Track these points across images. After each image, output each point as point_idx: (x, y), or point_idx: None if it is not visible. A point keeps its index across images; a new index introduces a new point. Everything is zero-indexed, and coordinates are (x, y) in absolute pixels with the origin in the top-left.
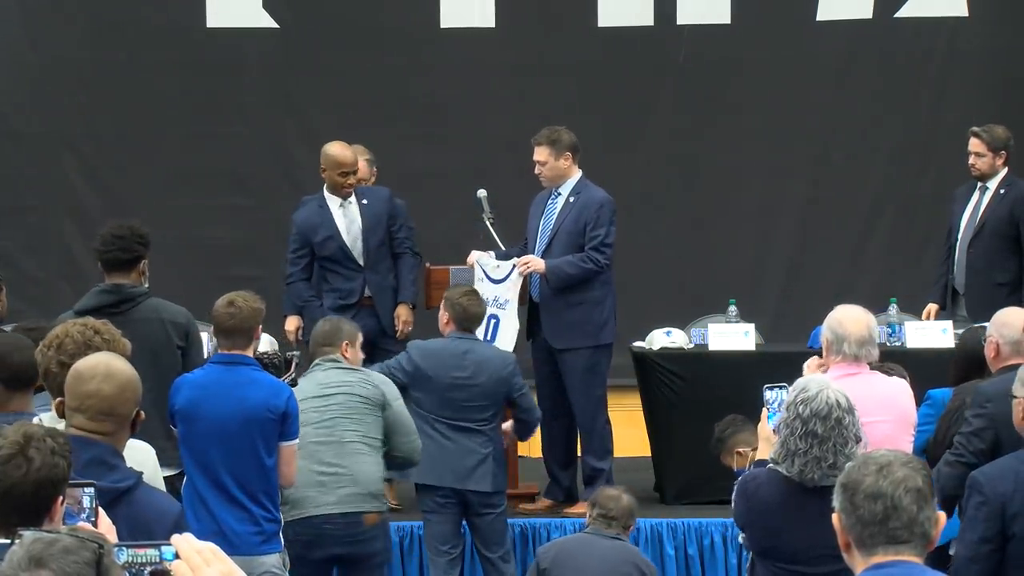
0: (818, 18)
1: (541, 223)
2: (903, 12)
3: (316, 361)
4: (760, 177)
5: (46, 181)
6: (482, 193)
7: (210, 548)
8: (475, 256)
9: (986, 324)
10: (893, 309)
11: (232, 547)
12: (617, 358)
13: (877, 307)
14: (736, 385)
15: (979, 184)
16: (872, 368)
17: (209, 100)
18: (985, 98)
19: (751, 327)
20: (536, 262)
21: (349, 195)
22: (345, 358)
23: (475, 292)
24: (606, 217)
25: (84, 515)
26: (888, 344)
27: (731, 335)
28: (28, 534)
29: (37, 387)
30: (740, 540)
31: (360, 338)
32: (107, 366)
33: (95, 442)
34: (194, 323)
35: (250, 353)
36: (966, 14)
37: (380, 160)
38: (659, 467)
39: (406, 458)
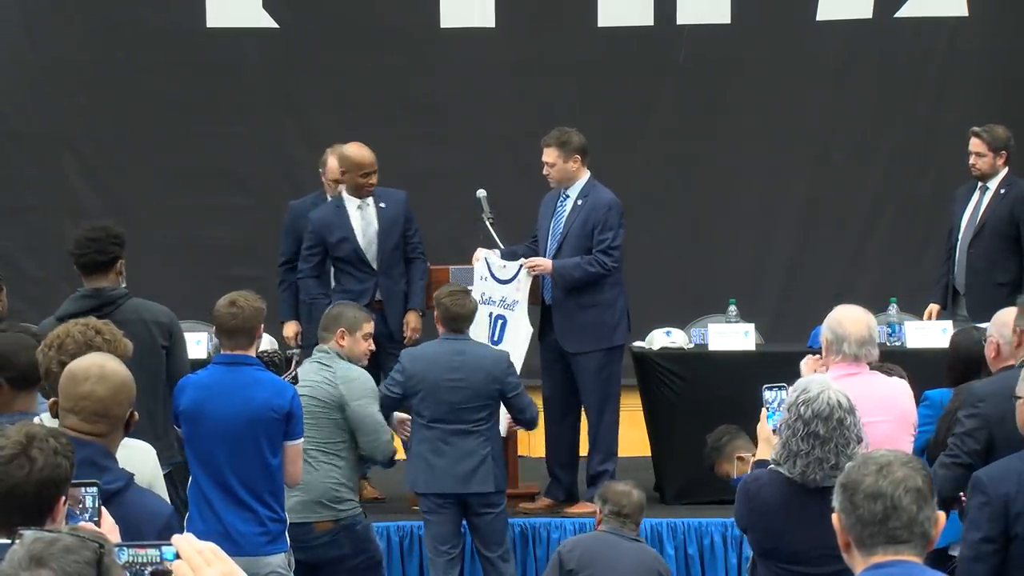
0: (818, 18)
1: (552, 225)
2: (903, 12)
3: (313, 351)
4: (760, 177)
5: (46, 181)
6: (481, 193)
7: (211, 548)
8: (482, 254)
9: (979, 324)
10: (893, 309)
11: (237, 547)
12: None
13: (877, 307)
14: (736, 385)
15: (979, 184)
16: (872, 368)
17: (209, 100)
18: (985, 98)
19: (751, 327)
20: (543, 263)
21: (369, 195)
22: (341, 346)
23: (461, 292)
24: (614, 220)
25: (88, 515)
26: (888, 344)
27: (731, 335)
28: (28, 533)
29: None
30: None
31: (367, 328)
32: (101, 367)
33: (87, 443)
34: (176, 322)
35: (253, 353)
36: (966, 14)
37: (380, 160)
38: (659, 467)
39: (371, 457)
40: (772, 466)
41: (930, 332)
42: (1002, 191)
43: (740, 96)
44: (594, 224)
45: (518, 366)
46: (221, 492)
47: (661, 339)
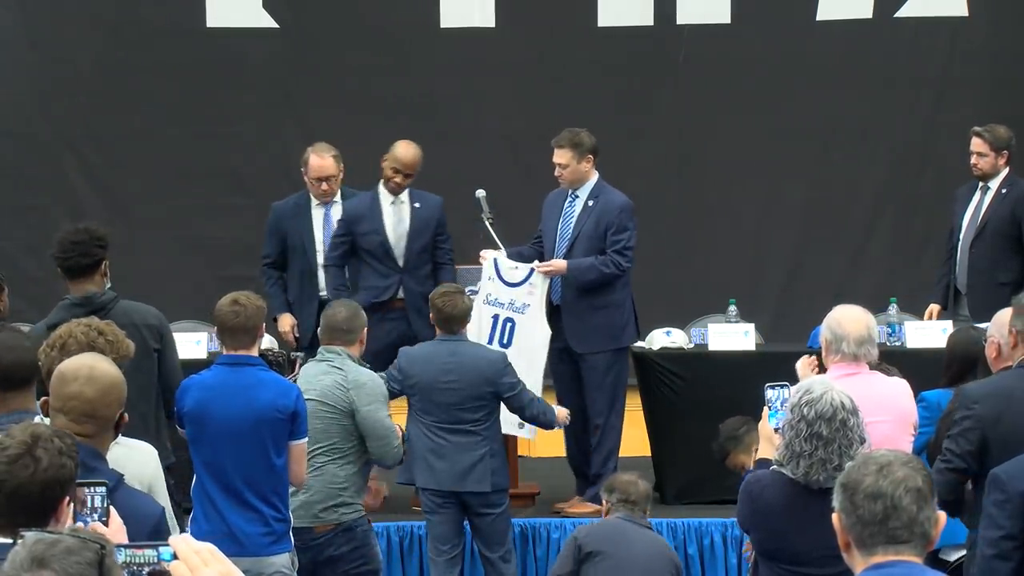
0: (818, 18)
1: (559, 226)
2: (903, 12)
3: (319, 351)
4: (760, 177)
5: (46, 181)
6: (481, 193)
7: (208, 548)
8: (490, 255)
9: (977, 324)
10: (893, 309)
11: (241, 547)
12: None
13: (877, 307)
14: (736, 385)
15: (980, 184)
16: (871, 368)
17: (209, 100)
18: (985, 98)
19: (751, 327)
20: (557, 264)
21: (399, 192)
22: (362, 344)
23: (454, 292)
24: (628, 221)
25: (97, 515)
26: (888, 344)
27: (731, 335)
28: (30, 535)
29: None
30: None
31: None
32: (91, 368)
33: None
34: (166, 323)
35: (255, 352)
36: (966, 14)
37: (381, 160)
38: (659, 467)
39: (380, 461)
40: (775, 467)
41: (930, 332)
42: (1003, 191)
43: (740, 96)
44: (607, 225)
45: (540, 369)
46: (225, 492)
47: (661, 339)
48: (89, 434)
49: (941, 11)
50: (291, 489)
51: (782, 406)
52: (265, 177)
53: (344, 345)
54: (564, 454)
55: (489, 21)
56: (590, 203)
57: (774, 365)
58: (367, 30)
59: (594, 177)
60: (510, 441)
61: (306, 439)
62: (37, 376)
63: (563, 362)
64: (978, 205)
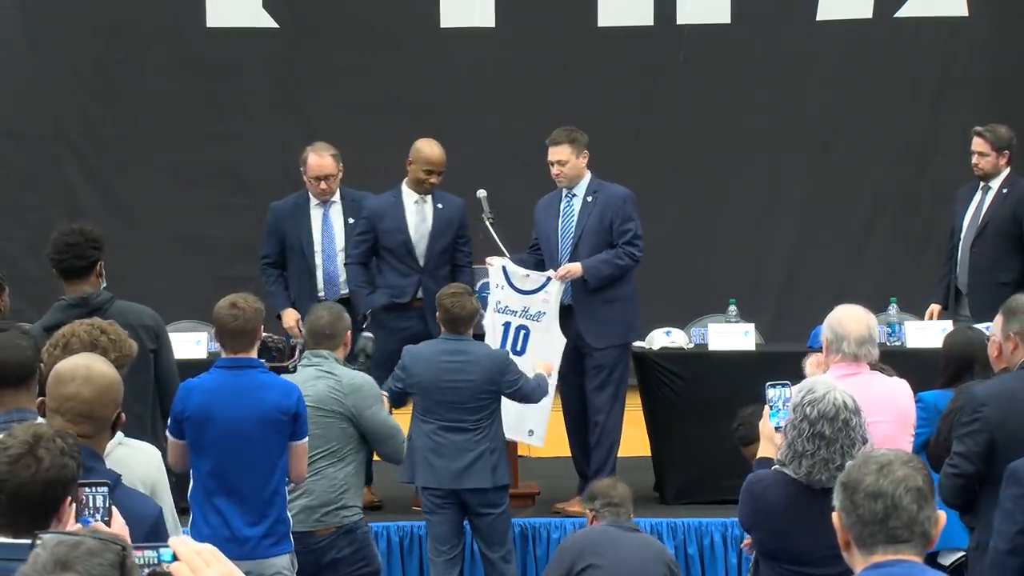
0: (818, 18)
1: (560, 226)
2: (903, 12)
3: (306, 356)
4: (760, 177)
5: (46, 181)
6: (482, 193)
7: (209, 550)
8: (497, 261)
9: (974, 324)
10: (893, 309)
11: (243, 550)
12: None
13: (877, 307)
14: (736, 385)
15: (982, 184)
16: (872, 368)
17: (209, 100)
18: (985, 98)
19: (751, 327)
20: (573, 268)
21: (427, 193)
22: (346, 347)
23: (463, 293)
24: (632, 211)
25: (99, 515)
26: (888, 344)
27: (731, 335)
28: (49, 537)
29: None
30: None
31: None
32: (87, 368)
33: None
34: (162, 324)
35: (254, 354)
36: (966, 14)
37: (381, 160)
38: (659, 467)
39: (390, 459)
40: (777, 466)
41: (930, 332)
42: (1004, 191)
43: (740, 96)
44: (612, 218)
45: (555, 377)
46: (226, 495)
47: (661, 339)
48: (87, 434)
49: (941, 11)
50: (290, 486)
51: (783, 405)
52: (265, 177)
53: (330, 349)
54: (563, 454)
55: (489, 21)
56: (589, 199)
57: (774, 365)
58: (367, 30)
59: (588, 174)
60: (510, 442)
61: (307, 438)
62: (35, 375)
63: (570, 360)
64: (979, 205)
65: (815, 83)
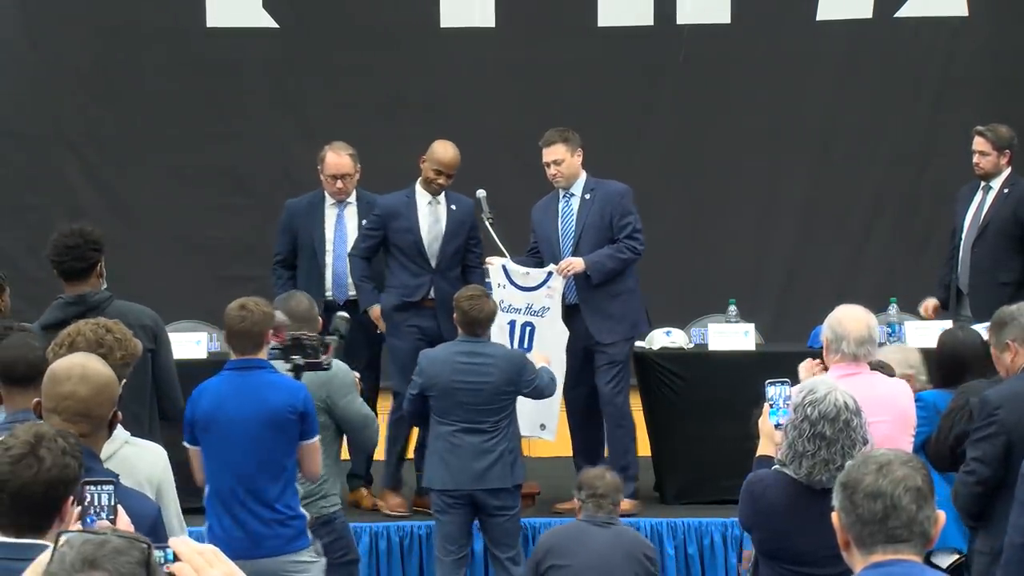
0: (818, 18)
1: (560, 226)
2: (903, 12)
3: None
4: (760, 177)
5: (46, 181)
6: (481, 193)
7: (211, 549)
8: (497, 261)
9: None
10: (893, 309)
11: (261, 549)
12: None
13: (877, 307)
14: (736, 385)
15: (983, 184)
16: (872, 368)
17: (209, 100)
18: (985, 98)
19: (751, 327)
20: (576, 262)
21: (438, 193)
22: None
23: (481, 295)
24: (630, 204)
25: (104, 513)
26: (888, 344)
27: (731, 335)
28: (73, 535)
29: None
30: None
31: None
32: (83, 368)
33: None
34: (161, 323)
35: (263, 356)
36: (966, 14)
37: (381, 160)
38: (659, 467)
39: (364, 449)
40: (777, 466)
41: (930, 332)
42: (1005, 191)
43: (740, 96)
44: (611, 213)
45: (561, 370)
46: (240, 496)
47: (661, 339)
48: (84, 433)
49: (941, 11)
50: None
51: (784, 403)
52: (265, 177)
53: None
54: (564, 454)
55: (489, 21)
56: (587, 196)
57: (774, 365)
58: (367, 30)
59: (583, 173)
60: None
61: (317, 437)
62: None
63: (577, 359)
64: (980, 205)
65: (815, 83)
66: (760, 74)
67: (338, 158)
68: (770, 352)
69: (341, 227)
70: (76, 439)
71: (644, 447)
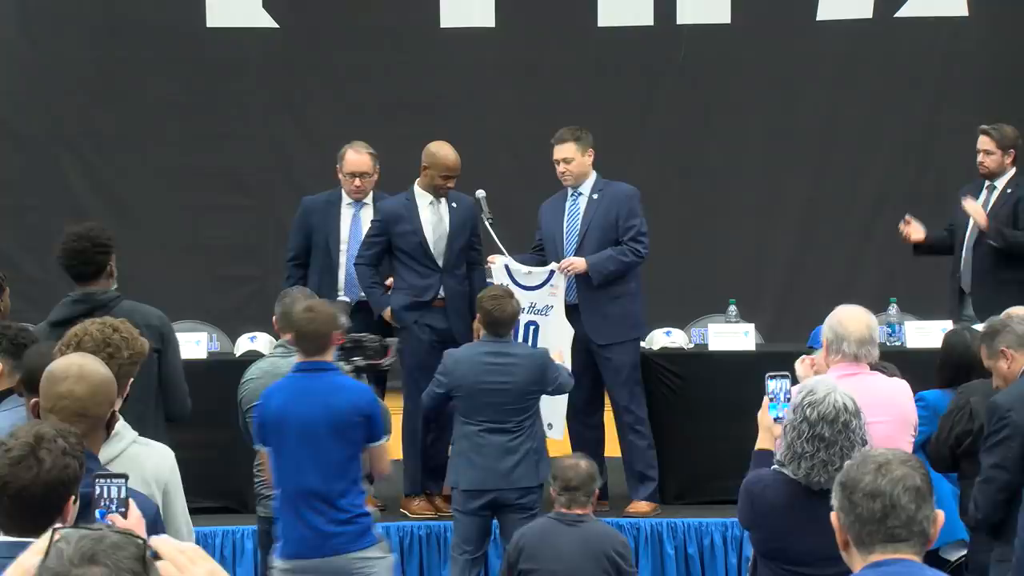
0: (818, 18)
1: (565, 225)
2: (903, 12)
3: (279, 343)
4: (760, 177)
5: (46, 181)
6: (481, 193)
7: (193, 548)
8: (499, 260)
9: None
10: (893, 309)
11: (329, 547)
12: None
13: (877, 307)
14: (736, 385)
15: (986, 183)
16: (872, 368)
17: (209, 100)
18: (985, 98)
19: (751, 327)
20: (577, 262)
21: (444, 195)
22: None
23: (503, 296)
24: (637, 207)
25: (114, 506)
26: (888, 344)
27: (731, 335)
28: (69, 531)
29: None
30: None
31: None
32: (80, 367)
33: None
34: (168, 324)
35: (330, 358)
36: (966, 14)
37: (381, 160)
38: (659, 467)
39: None
40: (776, 467)
41: (930, 332)
42: (1008, 190)
43: (740, 96)
44: (617, 214)
45: (568, 368)
46: (307, 496)
47: (661, 339)
48: (81, 433)
49: (941, 11)
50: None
51: (784, 397)
52: (265, 177)
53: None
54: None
55: (489, 21)
56: (595, 196)
57: (774, 365)
58: (367, 30)
59: (594, 173)
60: None
61: (385, 439)
62: None
63: (580, 357)
64: (983, 204)
65: (815, 83)
66: (760, 74)
67: (358, 156)
68: (770, 352)
69: (357, 227)
70: (77, 438)
71: None
